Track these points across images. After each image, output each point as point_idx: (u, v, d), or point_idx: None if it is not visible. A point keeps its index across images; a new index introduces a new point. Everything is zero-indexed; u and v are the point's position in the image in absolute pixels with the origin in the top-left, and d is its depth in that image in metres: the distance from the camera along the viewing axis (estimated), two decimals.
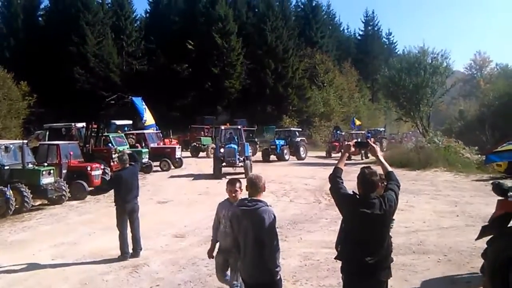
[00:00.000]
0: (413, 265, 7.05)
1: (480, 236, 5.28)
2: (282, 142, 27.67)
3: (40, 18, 52.40)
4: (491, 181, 7.01)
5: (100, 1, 51.10)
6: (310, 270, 7.13)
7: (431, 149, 22.70)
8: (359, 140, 23.48)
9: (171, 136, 28.53)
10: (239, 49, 46.76)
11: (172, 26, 50.65)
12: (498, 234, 5.03)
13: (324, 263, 7.23)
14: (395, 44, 70.15)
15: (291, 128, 29.62)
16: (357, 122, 39.17)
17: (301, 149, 28.15)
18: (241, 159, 19.67)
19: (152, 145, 22.79)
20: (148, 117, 21.27)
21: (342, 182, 3.88)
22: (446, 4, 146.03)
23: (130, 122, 27.92)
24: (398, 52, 58.85)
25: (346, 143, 4.37)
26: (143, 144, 22.39)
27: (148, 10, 55.89)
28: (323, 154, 31.47)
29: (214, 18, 46.23)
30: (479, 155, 21.54)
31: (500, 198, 5.16)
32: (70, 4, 48.29)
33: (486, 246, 5.12)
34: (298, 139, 29.27)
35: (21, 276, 7.22)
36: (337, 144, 30.25)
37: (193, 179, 19.21)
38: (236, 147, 19.68)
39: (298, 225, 10.32)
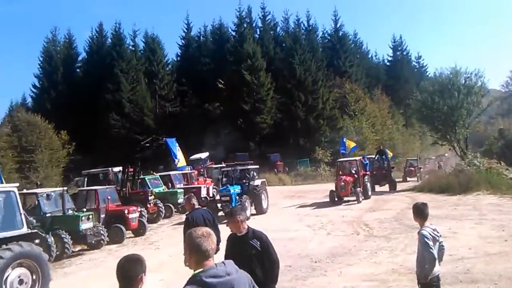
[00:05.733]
0: None
1: None
2: (237, 189, 18.26)
3: (78, 70, 55.26)
4: None
5: (133, 48, 53.36)
6: None
7: (471, 172, 21.78)
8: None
9: (205, 175, 28.57)
10: (269, 84, 47.14)
11: (202, 67, 52.12)
12: None
13: None
14: (426, 67, 69.12)
15: (249, 167, 20.28)
16: (351, 144, 31.43)
17: (263, 196, 18.55)
18: None
19: (178, 185, 22.86)
20: (181, 158, 21.64)
21: None
22: (476, 22, 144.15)
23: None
24: (429, 75, 57.82)
25: None
26: (169, 185, 22.58)
27: (179, 54, 57.80)
28: None
29: (243, 56, 47.09)
30: None
31: None
32: (105, 54, 50.97)
33: None
34: (258, 182, 19.33)
35: None
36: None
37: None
38: None
39: (337, 258, 10.04)
